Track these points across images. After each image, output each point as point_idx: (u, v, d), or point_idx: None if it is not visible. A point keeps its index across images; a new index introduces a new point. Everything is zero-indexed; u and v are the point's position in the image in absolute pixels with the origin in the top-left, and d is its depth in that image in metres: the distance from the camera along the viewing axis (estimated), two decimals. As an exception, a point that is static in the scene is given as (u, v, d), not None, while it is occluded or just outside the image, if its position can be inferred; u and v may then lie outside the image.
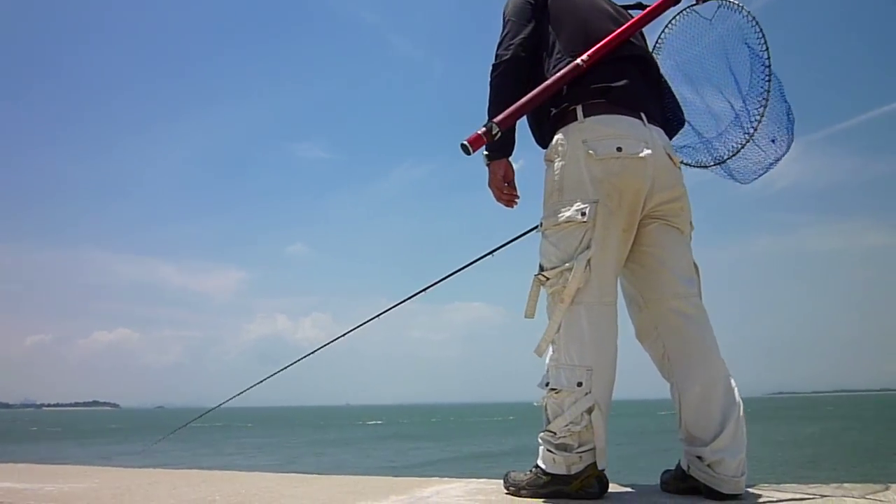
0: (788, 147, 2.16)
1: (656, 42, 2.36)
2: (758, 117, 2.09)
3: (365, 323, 2.78)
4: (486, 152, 2.11)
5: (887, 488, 1.89)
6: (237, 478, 2.67)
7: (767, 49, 2.05)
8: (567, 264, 1.92)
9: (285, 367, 3.04)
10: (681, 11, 2.28)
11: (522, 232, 2.37)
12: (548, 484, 1.91)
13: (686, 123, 2.29)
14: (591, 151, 1.94)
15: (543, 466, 1.93)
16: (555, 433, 1.91)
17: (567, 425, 1.88)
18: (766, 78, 2.06)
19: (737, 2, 2.12)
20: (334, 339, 2.89)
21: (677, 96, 2.27)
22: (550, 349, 1.97)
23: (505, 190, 2.15)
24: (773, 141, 2.14)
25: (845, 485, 1.97)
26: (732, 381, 1.97)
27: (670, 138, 2.17)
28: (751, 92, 2.11)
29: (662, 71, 2.27)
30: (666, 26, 2.33)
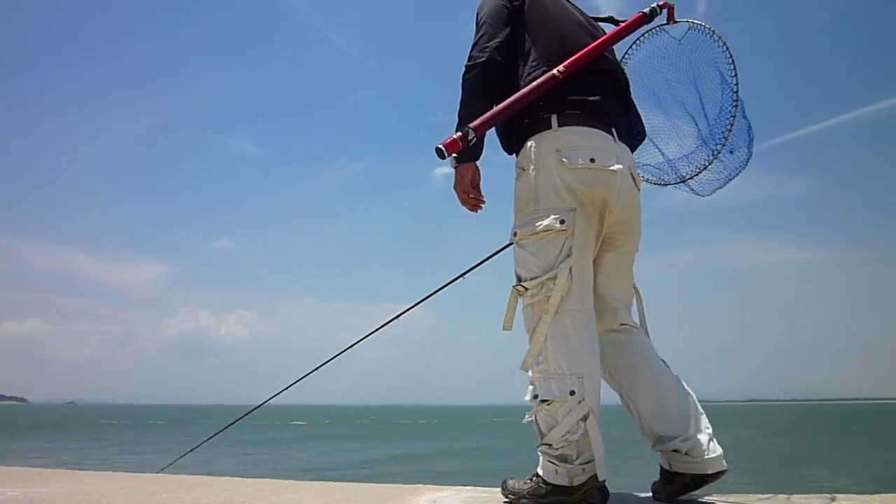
0: (747, 161, 2.20)
1: (623, 56, 2.37)
2: (723, 141, 2.13)
3: (380, 328, 2.80)
4: (453, 156, 2.03)
5: (833, 499, 1.90)
6: (216, 483, 2.51)
7: (736, 75, 2.08)
8: (549, 273, 1.91)
9: (325, 363, 2.99)
10: (650, 29, 2.30)
11: (496, 250, 2.41)
12: (549, 494, 1.88)
13: (649, 142, 2.30)
14: (564, 160, 1.94)
15: (545, 476, 1.90)
16: (552, 445, 1.88)
17: (564, 436, 1.86)
18: (734, 103, 2.10)
19: (707, 26, 2.15)
20: (363, 338, 2.88)
21: (640, 111, 2.27)
22: (536, 363, 1.93)
23: (471, 194, 2.09)
24: (731, 152, 2.18)
25: (793, 497, 1.96)
26: (677, 376, 2.04)
27: (633, 150, 2.17)
28: (720, 116, 2.15)
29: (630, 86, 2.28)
30: (634, 42, 2.35)
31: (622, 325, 2.08)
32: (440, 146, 1.90)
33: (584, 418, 1.86)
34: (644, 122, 2.26)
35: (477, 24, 2.13)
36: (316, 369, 3.01)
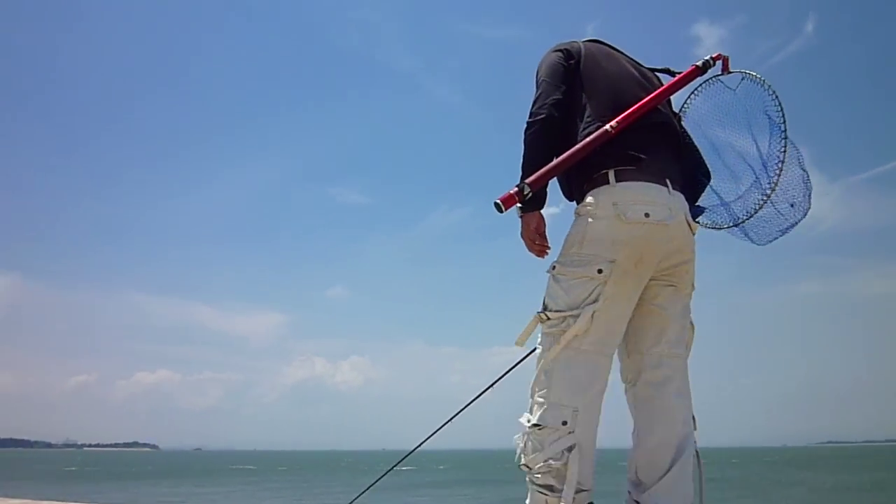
0: (805, 213, 2.25)
1: (682, 106, 2.45)
2: (775, 179, 2.18)
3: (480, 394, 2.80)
4: (527, 198, 2.13)
5: None
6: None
7: (784, 120, 2.16)
8: (573, 311, 2.02)
9: (461, 410, 2.90)
10: (707, 80, 2.38)
11: (523, 356, 2.48)
12: None
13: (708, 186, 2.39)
14: (620, 214, 2.03)
15: None
16: (531, 469, 1.98)
17: (547, 461, 1.95)
18: (782, 145, 2.16)
19: (758, 76, 2.22)
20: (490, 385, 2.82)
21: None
22: (538, 388, 2.04)
23: (537, 241, 2.21)
24: (791, 205, 2.24)
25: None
26: (693, 438, 2.11)
27: (697, 197, 2.30)
28: (769, 157, 2.20)
29: (690, 134, 2.38)
30: (693, 92, 2.43)
31: (669, 356, 2.15)
32: (498, 201, 2.02)
33: (569, 449, 1.95)
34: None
35: (536, 82, 2.25)
36: (458, 413, 2.95)
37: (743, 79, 2.29)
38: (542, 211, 2.21)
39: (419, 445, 2.94)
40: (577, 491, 1.95)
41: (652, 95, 2.21)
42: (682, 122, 2.40)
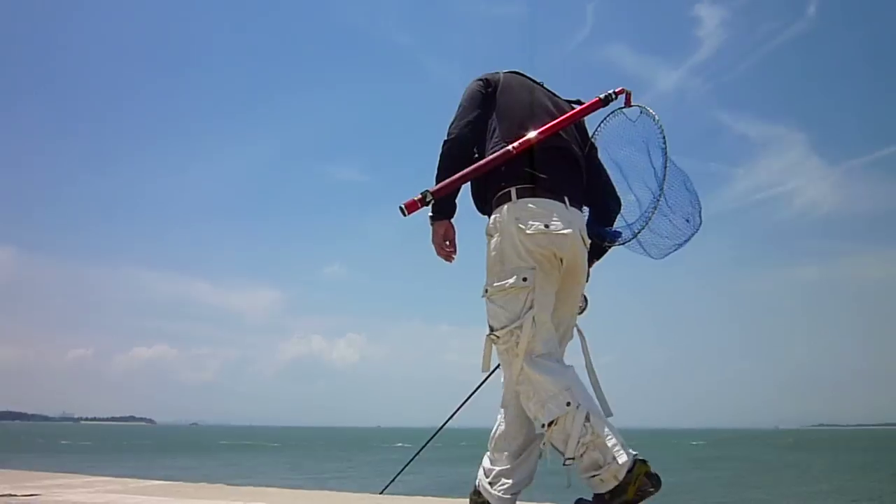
0: (698, 228, 2.50)
1: (594, 133, 2.68)
2: (655, 202, 2.43)
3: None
4: (430, 214, 2.41)
5: None
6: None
7: (665, 145, 2.41)
8: (516, 323, 2.23)
9: (474, 391, 3.07)
10: (613, 112, 2.60)
11: (476, 387, 2.94)
12: (610, 500, 2.07)
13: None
14: (521, 226, 2.27)
15: (599, 490, 2.10)
16: (573, 458, 2.11)
17: (577, 443, 2.10)
18: (663, 164, 2.41)
19: (651, 110, 2.47)
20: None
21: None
22: (528, 398, 2.22)
23: (445, 247, 2.45)
24: (687, 220, 2.49)
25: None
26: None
27: (611, 223, 2.58)
28: (658, 176, 2.45)
29: (601, 160, 2.64)
30: (602, 121, 2.65)
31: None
32: (402, 205, 2.26)
33: (587, 418, 2.11)
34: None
35: (458, 105, 2.52)
36: (475, 391, 3.11)
37: (641, 112, 2.52)
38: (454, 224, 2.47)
39: (447, 421, 3.14)
40: (620, 448, 2.08)
41: (553, 123, 2.45)
42: (594, 149, 2.65)
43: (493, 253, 2.34)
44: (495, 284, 2.30)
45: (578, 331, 2.50)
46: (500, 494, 2.30)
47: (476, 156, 2.46)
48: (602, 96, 2.57)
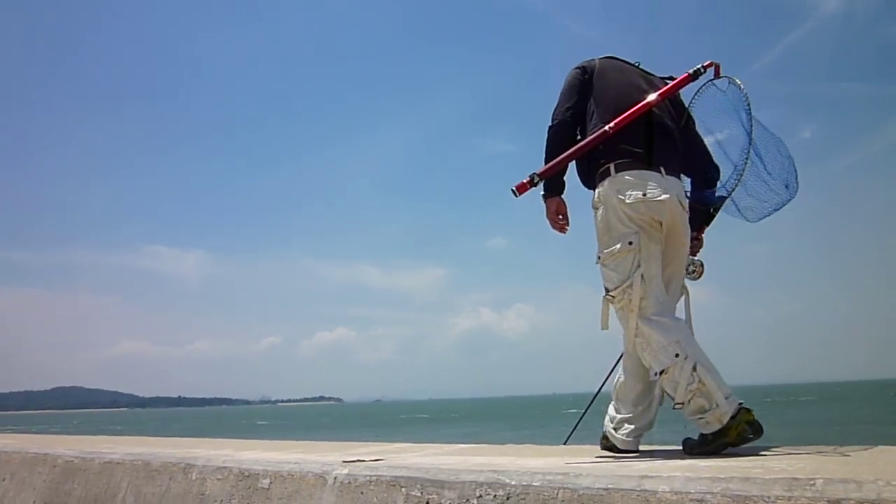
0: (795, 193, 2.62)
1: (689, 105, 2.85)
2: (744, 162, 2.61)
3: None
4: (542, 192, 2.66)
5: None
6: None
7: (750, 110, 2.58)
8: (627, 282, 2.46)
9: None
10: (704, 84, 2.77)
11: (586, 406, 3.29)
12: (712, 441, 2.29)
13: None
14: (621, 197, 2.49)
15: (704, 430, 2.32)
16: (683, 403, 2.33)
17: (686, 388, 2.30)
18: (749, 129, 2.59)
19: (738, 81, 2.64)
20: None
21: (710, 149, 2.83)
22: (643, 349, 2.43)
23: (558, 220, 2.69)
24: (786, 186, 2.62)
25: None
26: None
27: (713, 184, 2.74)
28: (746, 136, 2.62)
29: (699, 130, 2.83)
30: (695, 95, 2.82)
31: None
32: (513, 188, 2.54)
33: (694, 368, 2.31)
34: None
35: (559, 93, 2.76)
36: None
37: (729, 83, 2.68)
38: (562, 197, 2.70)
39: (605, 381, 3.14)
40: (725, 396, 2.29)
41: (644, 102, 2.62)
42: (691, 120, 2.82)
43: (601, 223, 2.57)
44: (605, 251, 2.53)
45: (685, 289, 2.69)
46: (623, 438, 2.57)
47: (578, 137, 2.67)
48: (691, 71, 2.73)
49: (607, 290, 2.52)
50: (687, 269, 2.70)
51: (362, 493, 2.15)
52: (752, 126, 2.58)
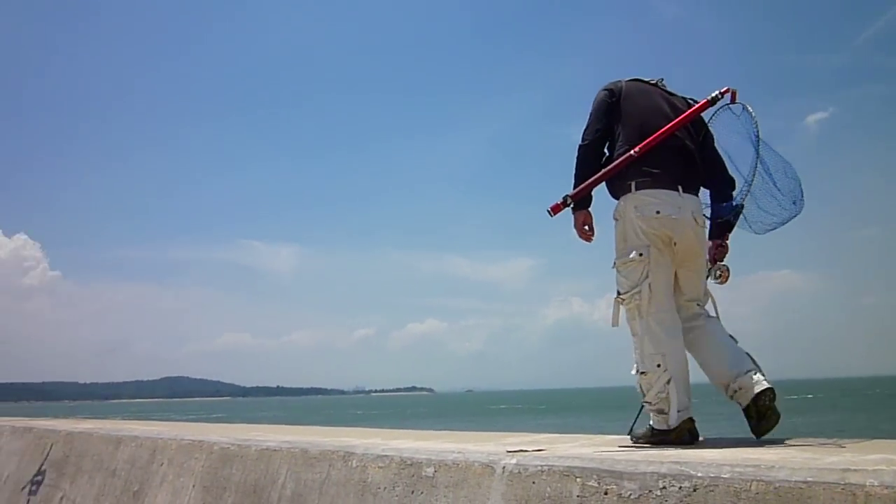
0: (801, 209, 2.90)
1: (708, 122, 3.10)
2: (751, 178, 2.92)
3: None
4: (570, 206, 3.00)
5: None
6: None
7: (759, 137, 2.91)
8: (636, 289, 2.80)
9: None
10: (721, 108, 3.04)
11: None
12: (656, 435, 2.76)
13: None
14: (637, 213, 2.83)
15: (653, 424, 2.79)
16: (650, 402, 2.77)
17: (656, 394, 2.74)
18: (757, 154, 2.91)
19: (750, 109, 2.94)
20: None
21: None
22: (636, 348, 2.81)
23: (585, 231, 3.03)
24: (794, 203, 2.90)
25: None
26: (728, 336, 2.96)
27: (729, 197, 3.02)
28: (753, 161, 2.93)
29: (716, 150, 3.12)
30: (712, 116, 3.09)
31: (695, 314, 2.97)
32: (548, 209, 2.98)
33: (668, 382, 2.73)
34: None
35: (588, 114, 3.09)
36: None
37: (743, 109, 2.97)
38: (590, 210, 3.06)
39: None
40: (679, 410, 2.72)
41: (668, 126, 2.94)
42: (710, 138, 3.11)
43: (618, 234, 2.91)
44: (620, 259, 2.87)
45: (709, 293, 3.05)
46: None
47: (607, 155, 3.02)
48: (710, 97, 3.04)
49: (619, 293, 2.88)
50: (714, 274, 3.03)
51: (533, 482, 2.17)
52: (759, 146, 2.89)
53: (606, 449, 2.56)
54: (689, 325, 2.92)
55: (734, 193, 3.04)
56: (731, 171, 3.09)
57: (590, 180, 2.95)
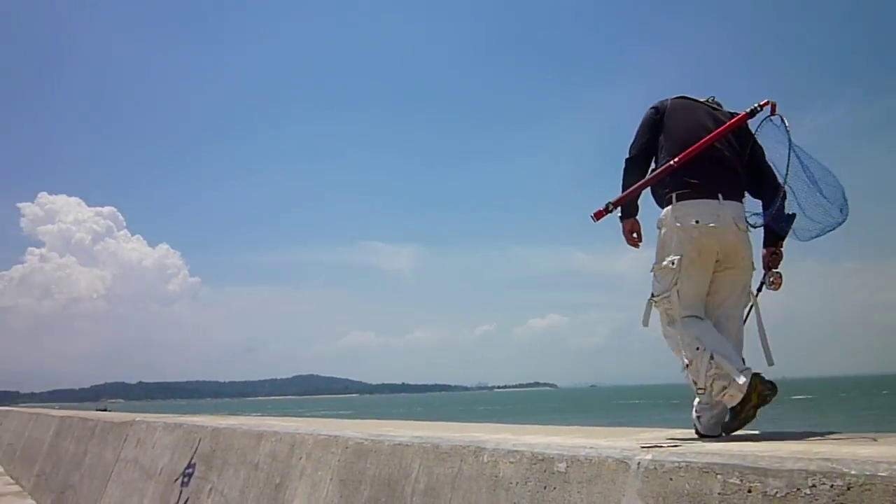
0: (846, 216, 3.02)
1: (755, 132, 3.25)
2: (784, 190, 3.10)
3: None
4: (619, 215, 3.24)
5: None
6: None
7: (791, 146, 3.07)
8: (667, 293, 3.01)
9: None
10: (763, 120, 3.19)
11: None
12: (741, 409, 2.80)
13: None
14: (678, 224, 3.02)
15: (730, 405, 2.83)
16: (704, 388, 2.83)
17: (705, 375, 2.81)
18: (801, 164, 3.08)
19: (786, 121, 3.10)
20: None
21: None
22: (672, 346, 3.01)
23: (632, 238, 3.26)
24: (840, 210, 3.02)
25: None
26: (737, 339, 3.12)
27: (771, 207, 3.14)
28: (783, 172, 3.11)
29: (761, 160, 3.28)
30: (756, 128, 3.24)
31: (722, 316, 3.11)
32: (592, 214, 3.19)
33: (711, 357, 2.81)
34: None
35: (636, 130, 3.32)
36: None
37: (782, 120, 3.09)
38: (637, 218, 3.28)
39: None
40: (739, 371, 2.75)
41: (707, 138, 3.10)
42: (758, 147, 3.25)
43: (659, 241, 3.10)
44: (656, 264, 3.07)
45: (753, 296, 3.14)
46: (705, 423, 3.00)
47: (652, 168, 3.22)
48: (749, 109, 3.18)
49: (653, 295, 3.07)
50: (767, 281, 3.17)
51: (671, 479, 2.11)
52: (789, 160, 3.03)
53: (747, 445, 2.45)
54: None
55: (784, 203, 3.13)
56: (781, 181, 3.18)
57: (630, 189, 3.19)
